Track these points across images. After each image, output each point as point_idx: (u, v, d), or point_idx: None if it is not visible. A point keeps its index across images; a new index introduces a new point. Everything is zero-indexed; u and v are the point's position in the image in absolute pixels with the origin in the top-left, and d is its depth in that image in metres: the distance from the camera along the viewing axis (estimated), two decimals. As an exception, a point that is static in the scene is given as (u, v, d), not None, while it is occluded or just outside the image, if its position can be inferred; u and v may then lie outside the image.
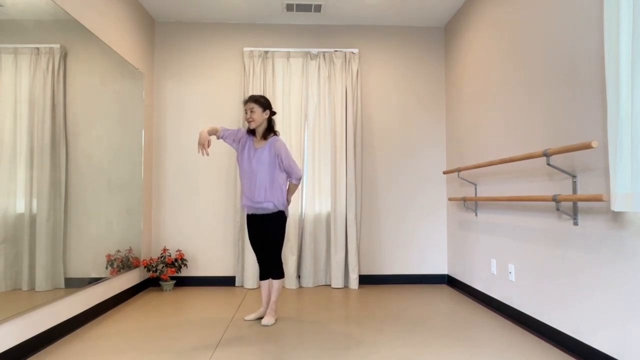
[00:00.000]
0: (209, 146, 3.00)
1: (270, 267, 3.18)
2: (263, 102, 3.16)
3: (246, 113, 3.16)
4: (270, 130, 3.20)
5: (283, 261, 4.48)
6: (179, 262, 4.38)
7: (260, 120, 3.16)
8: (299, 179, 3.18)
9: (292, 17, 4.57)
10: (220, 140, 4.62)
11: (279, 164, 3.11)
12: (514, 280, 3.22)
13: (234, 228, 4.60)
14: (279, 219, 3.14)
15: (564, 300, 2.63)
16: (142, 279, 4.29)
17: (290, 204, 4.48)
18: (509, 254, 3.30)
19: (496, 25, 3.55)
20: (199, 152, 2.94)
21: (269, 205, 3.10)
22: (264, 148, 3.11)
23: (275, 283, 3.20)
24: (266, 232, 3.16)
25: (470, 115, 4.07)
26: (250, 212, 3.22)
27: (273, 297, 3.22)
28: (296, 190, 3.22)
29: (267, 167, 3.08)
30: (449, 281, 4.60)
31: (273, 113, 3.23)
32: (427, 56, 4.79)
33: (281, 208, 3.13)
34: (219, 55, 4.68)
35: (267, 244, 3.18)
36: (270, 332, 2.98)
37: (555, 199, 2.52)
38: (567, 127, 2.60)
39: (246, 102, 3.17)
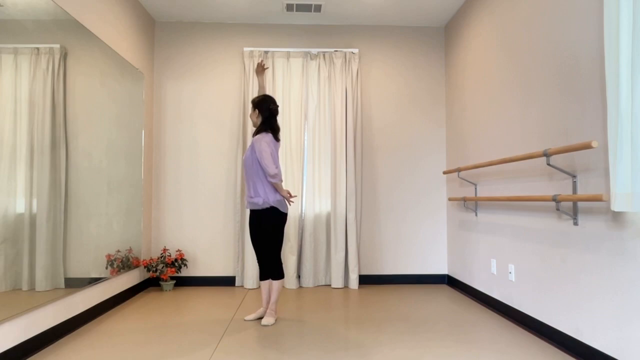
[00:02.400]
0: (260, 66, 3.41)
1: (269, 267, 3.19)
2: (255, 103, 3.25)
3: None
4: (261, 129, 3.22)
5: (283, 261, 4.48)
6: (179, 262, 4.38)
7: (255, 121, 3.27)
8: (272, 177, 3.06)
9: (292, 17, 4.57)
10: (221, 145, 4.63)
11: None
12: (514, 280, 3.22)
13: (234, 228, 4.60)
14: (271, 215, 3.13)
15: (564, 300, 2.63)
16: (142, 279, 4.29)
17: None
18: (509, 254, 3.30)
19: (496, 25, 3.56)
20: (262, 61, 3.39)
21: (258, 201, 3.13)
22: (250, 144, 3.19)
23: (275, 283, 3.20)
24: (261, 230, 3.17)
25: (471, 115, 4.07)
26: (248, 208, 3.25)
27: (273, 297, 3.22)
28: (281, 187, 3.12)
29: (251, 163, 3.15)
30: (449, 281, 4.59)
31: (269, 111, 3.21)
32: (427, 56, 4.79)
33: (271, 204, 3.12)
34: (219, 55, 4.68)
35: (263, 242, 3.18)
36: (270, 332, 2.98)
37: (555, 199, 2.52)
38: (567, 127, 2.60)
39: (254, 98, 3.35)
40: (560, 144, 2.67)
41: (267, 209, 3.13)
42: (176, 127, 4.63)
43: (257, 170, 3.13)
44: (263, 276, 3.28)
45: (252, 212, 3.23)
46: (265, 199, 3.11)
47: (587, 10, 2.43)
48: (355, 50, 4.62)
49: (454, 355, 2.54)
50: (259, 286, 4.47)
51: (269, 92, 4.57)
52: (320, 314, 3.46)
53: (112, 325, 3.13)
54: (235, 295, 4.14)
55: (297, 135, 4.55)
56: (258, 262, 3.28)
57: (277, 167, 3.13)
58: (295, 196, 3.29)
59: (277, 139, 3.23)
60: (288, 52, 4.61)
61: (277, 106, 3.28)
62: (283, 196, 3.17)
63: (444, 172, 4.37)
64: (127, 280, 3.92)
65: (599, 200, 2.14)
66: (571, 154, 2.54)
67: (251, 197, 3.16)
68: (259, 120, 3.24)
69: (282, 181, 3.16)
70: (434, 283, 4.66)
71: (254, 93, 4.52)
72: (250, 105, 3.30)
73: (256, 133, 3.21)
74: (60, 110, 2.84)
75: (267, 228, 3.14)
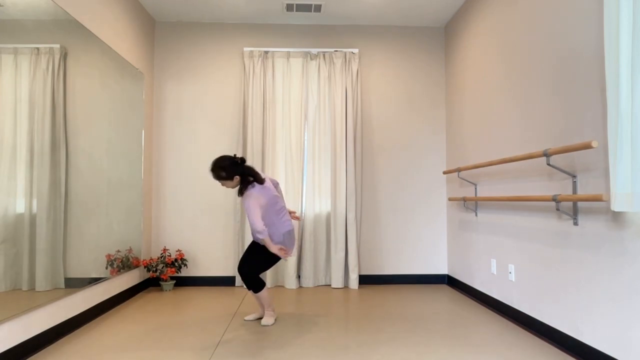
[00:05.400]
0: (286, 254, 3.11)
1: (246, 280, 3.11)
2: (225, 176, 3.01)
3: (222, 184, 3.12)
4: (244, 186, 3.07)
5: (283, 261, 4.49)
6: (179, 262, 4.38)
7: (236, 185, 3.09)
8: (258, 233, 2.92)
9: (292, 17, 4.57)
10: (221, 145, 4.63)
11: None
12: (514, 280, 3.22)
13: (234, 228, 4.60)
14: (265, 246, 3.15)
15: (564, 300, 2.63)
16: (142, 279, 4.29)
17: (290, 204, 4.48)
18: (509, 254, 3.30)
19: (496, 25, 3.55)
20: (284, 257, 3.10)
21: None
22: (242, 200, 3.11)
23: (259, 295, 3.16)
24: (256, 250, 3.16)
25: (470, 115, 4.07)
26: None
27: (265, 304, 3.20)
28: (269, 244, 2.98)
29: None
30: (449, 281, 4.59)
31: (234, 168, 3.01)
32: (427, 56, 4.79)
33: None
34: (219, 55, 4.68)
35: (250, 255, 3.15)
36: (270, 332, 2.98)
37: (555, 199, 2.52)
38: (567, 127, 2.60)
39: (213, 176, 3.05)
40: (560, 144, 2.67)
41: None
42: (176, 126, 4.63)
43: None
44: (247, 287, 3.17)
45: None
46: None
47: (587, 10, 2.43)
48: (355, 50, 4.62)
49: (454, 355, 2.54)
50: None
51: (268, 92, 4.57)
52: (320, 314, 3.46)
53: (112, 325, 3.13)
54: (235, 295, 4.14)
55: (297, 135, 4.55)
56: (238, 270, 3.16)
57: (269, 223, 3.09)
58: (290, 255, 3.13)
59: (261, 182, 3.09)
60: (288, 52, 4.61)
61: (234, 157, 3.05)
62: (275, 253, 3.01)
63: (444, 172, 4.37)
64: (127, 280, 3.92)
65: (599, 200, 2.14)
66: (571, 154, 2.54)
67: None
68: (237, 182, 3.07)
69: (269, 239, 3.02)
70: (434, 283, 4.66)
71: (254, 93, 4.51)
72: (217, 179, 3.10)
73: (241, 191, 3.08)
74: (60, 110, 2.84)
75: (262, 252, 3.14)
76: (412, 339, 2.83)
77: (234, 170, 3.01)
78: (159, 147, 4.61)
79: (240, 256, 4.48)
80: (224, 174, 3.00)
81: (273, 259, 3.16)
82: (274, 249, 3.00)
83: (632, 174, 1.93)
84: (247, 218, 3.05)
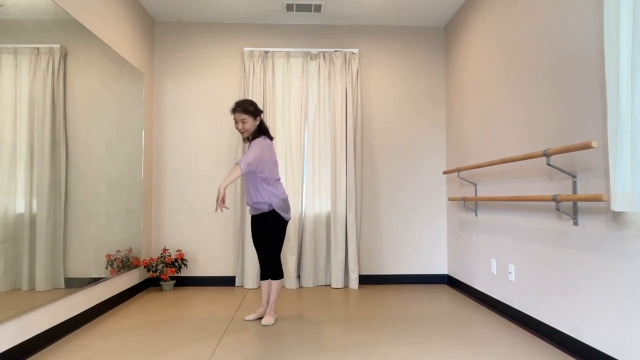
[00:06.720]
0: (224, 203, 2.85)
1: (269, 268, 3.20)
2: (253, 111, 3.09)
3: (237, 123, 3.08)
4: (258, 134, 3.13)
5: (283, 261, 4.49)
6: (179, 262, 4.38)
7: (253, 129, 3.13)
8: (243, 164, 2.83)
9: (292, 17, 4.57)
10: (221, 145, 4.63)
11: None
12: (514, 280, 3.22)
13: (234, 228, 4.60)
14: (275, 217, 3.14)
15: (564, 300, 2.63)
16: (142, 279, 4.29)
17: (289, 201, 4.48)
18: (509, 254, 3.30)
19: (496, 25, 3.56)
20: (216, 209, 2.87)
21: (263, 207, 3.14)
22: (251, 143, 3.11)
23: (274, 283, 3.21)
24: (263, 231, 3.18)
25: (471, 114, 4.07)
26: (251, 213, 3.27)
27: (272, 298, 3.23)
28: (231, 176, 2.78)
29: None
30: (449, 281, 4.60)
31: (259, 115, 3.16)
32: (427, 56, 4.79)
33: (275, 208, 3.13)
34: (219, 55, 4.68)
35: (265, 243, 3.19)
36: (270, 332, 2.98)
37: (555, 199, 2.52)
38: (567, 127, 2.60)
39: (234, 110, 3.07)
40: (560, 144, 2.67)
41: (272, 211, 3.14)
42: (176, 126, 4.63)
43: (254, 175, 3.09)
44: (263, 276, 3.29)
45: (254, 217, 3.25)
46: (272, 203, 3.12)
47: (587, 10, 2.43)
48: (355, 50, 4.62)
49: (453, 355, 2.54)
50: (259, 286, 4.47)
51: (269, 92, 4.57)
52: (320, 314, 3.46)
53: (112, 325, 3.13)
54: (235, 295, 4.14)
55: (297, 135, 4.55)
56: (260, 262, 3.28)
57: (261, 170, 3.04)
58: (225, 207, 2.92)
59: (271, 138, 3.19)
60: (288, 52, 4.61)
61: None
62: (221, 187, 2.78)
63: (444, 172, 4.37)
64: (127, 280, 3.92)
65: (599, 200, 2.14)
66: (571, 154, 2.54)
67: (255, 203, 3.14)
68: (255, 125, 3.14)
69: (242, 176, 2.89)
70: (434, 283, 4.66)
71: (254, 93, 4.51)
72: (239, 112, 3.06)
73: (253, 137, 3.13)
74: (60, 110, 2.84)
75: (271, 230, 3.15)
76: (412, 339, 2.83)
77: (259, 112, 3.13)
78: (159, 147, 4.61)
79: (240, 255, 4.49)
80: (252, 108, 3.08)
81: (283, 231, 3.18)
82: (223, 185, 2.76)
83: (632, 174, 1.93)
84: (245, 154, 2.95)
